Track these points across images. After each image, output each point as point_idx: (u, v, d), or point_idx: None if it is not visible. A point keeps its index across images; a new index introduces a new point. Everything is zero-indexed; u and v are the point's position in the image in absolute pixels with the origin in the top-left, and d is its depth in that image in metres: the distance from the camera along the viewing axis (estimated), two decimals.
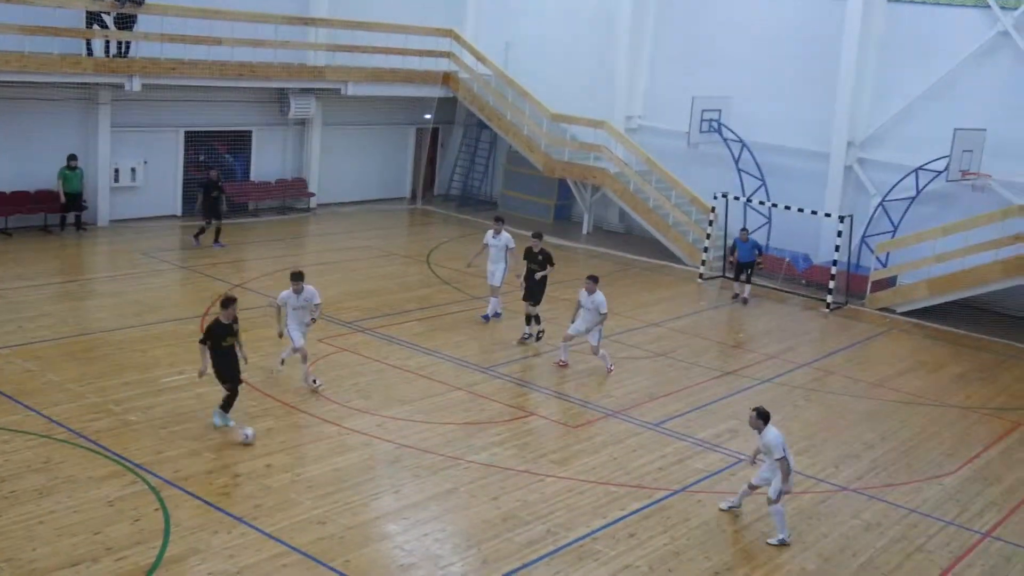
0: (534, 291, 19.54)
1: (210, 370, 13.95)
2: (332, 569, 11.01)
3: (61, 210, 25.27)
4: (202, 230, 25.24)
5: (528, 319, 19.74)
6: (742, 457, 15.07)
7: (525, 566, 11.47)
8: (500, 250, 20.79)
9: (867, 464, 15.34)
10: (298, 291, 15.51)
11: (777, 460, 12.14)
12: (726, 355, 20.39)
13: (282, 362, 16.46)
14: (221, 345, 13.80)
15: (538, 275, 19.45)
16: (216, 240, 25.20)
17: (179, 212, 28.15)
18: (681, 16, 30.43)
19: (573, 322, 18.05)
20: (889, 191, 26.08)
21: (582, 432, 15.63)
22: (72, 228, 25.49)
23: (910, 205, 25.67)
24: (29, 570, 10.47)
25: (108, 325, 18.74)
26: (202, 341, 13.85)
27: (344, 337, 18.94)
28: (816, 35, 27.38)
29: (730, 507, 13.10)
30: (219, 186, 25.32)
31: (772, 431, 12.29)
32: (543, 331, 19.73)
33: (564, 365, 18.38)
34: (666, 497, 13.56)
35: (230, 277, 22.58)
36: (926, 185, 25.28)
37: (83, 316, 19.30)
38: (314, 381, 15.98)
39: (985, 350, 22.37)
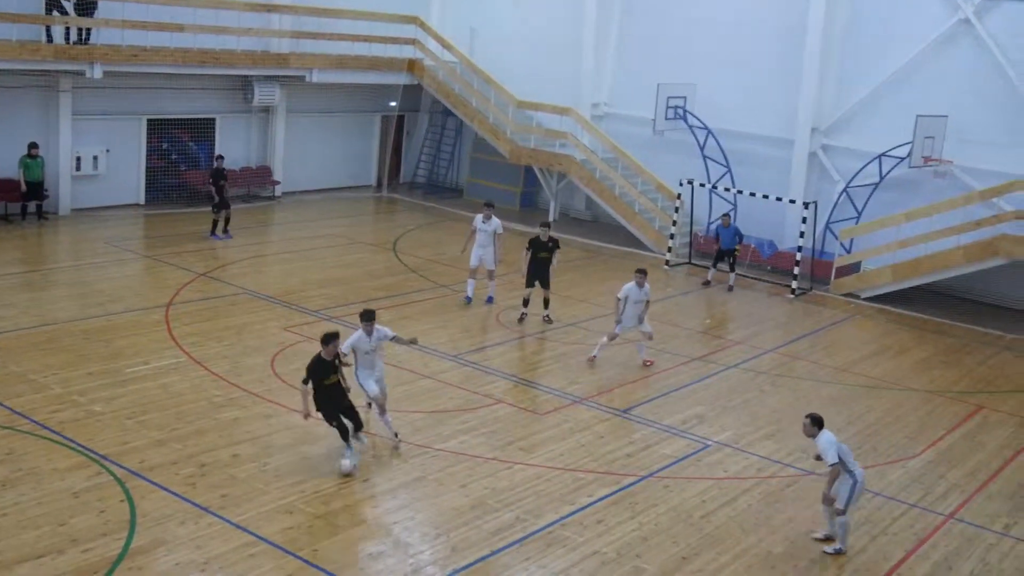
0: (544, 277, 20.12)
1: (315, 412, 13.12)
2: (300, 559, 10.98)
3: (22, 199, 24.98)
4: (215, 223, 25.03)
5: (526, 301, 20.24)
6: (709, 443, 15.18)
7: (494, 553, 11.49)
8: (489, 235, 21.12)
9: None
10: (370, 332, 13.69)
11: (830, 467, 11.86)
12: (693, 341, 20.48)
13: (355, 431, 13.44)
14: (323, 383, 12.93)
15: (554, 263, 20.27)
16: (225, 230, 25.12)
17: (142, 200, 27.93)
18: (647, 3, 30.44)
19: (619, 321, 18.24)
20: (853, 177, 26.26)
21: (550, 419, 15.67)
22: (33, 217, 25.21)
23: (874, 191, 25.87)
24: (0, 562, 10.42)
25: (71, 315, 18.57)
26: (304, 381, 12.86)
27: (311, 325, 18.86)
28: (781, 22, 27.51)
29: (826, 537, 12.40)
30: (224, 174, 25.10)
31: (825, 436, 11.99)
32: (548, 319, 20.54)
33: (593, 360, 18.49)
34: (634, 483, 13.63)
35: (195, 266, 22.42)
36: (889, 171, 25.48)
37: (45, 306, 19.10)
38: (396, 435, 14.07)
39: (948, 335, 22.63)
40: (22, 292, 19.93)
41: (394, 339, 14.10)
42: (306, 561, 10.94)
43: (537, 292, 20.20)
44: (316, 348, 17.60)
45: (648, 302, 18.41)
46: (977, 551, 12.65)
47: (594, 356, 18.41)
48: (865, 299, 24.79)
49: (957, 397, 18.39)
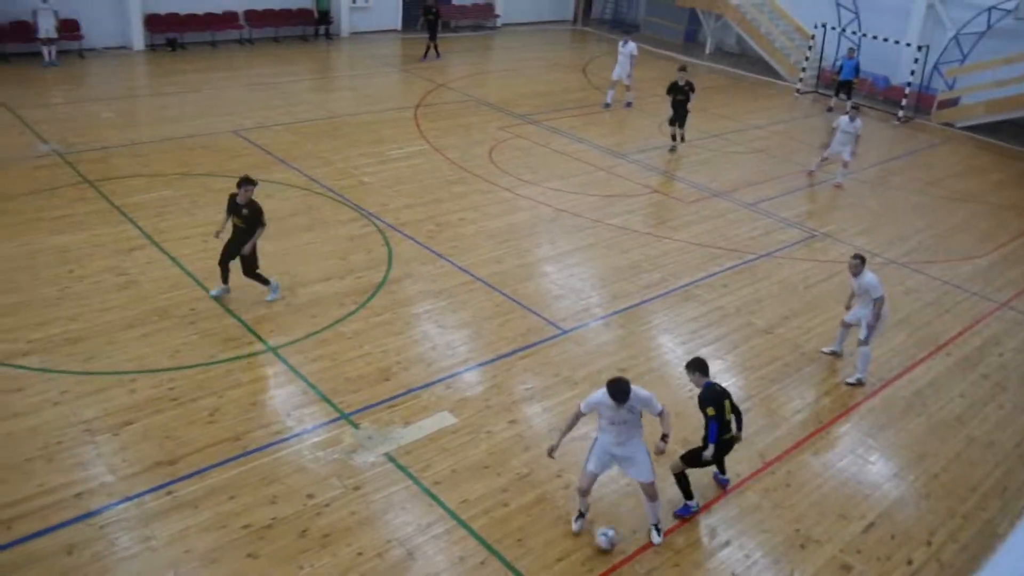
0: (681, 118, 17.90)
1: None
2: (504, 294, 11.40)
3: (315, 24, 25.35)
4: (427, 48, 24.56)
5: (674, 137, 18.21)
6: (816, 233, 14.66)
7: (644, 302, 11.64)
8: (626, 56, 20.93)
9: (914, 244, 14.73)
10: (621, 401, 6.75)
11: (874, 300, 9.83)
12: (812, 154, 19.42)
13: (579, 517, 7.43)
14: (233, 223, 10.20)
15: (689, 105, 17.82)
16: (436, 54, 24.63)
17: (399, 27, 27.86)
18: None
19: (827, 145, 16.95)
20: (963, 26, 23.62)
21: (693, 207, 15.40)
22: (323, 38, 25.61)
23: (980, 39, 23.27)
24: (301, 281, 11.23)
25: (349, 111, 19.09)
26: (227, 211, 10.24)
27: (518, 127, 18.83)
28: None
29: (831, 352, 10.67)
30: (434, 10, 24.61)
31: (871, 274, 9.93)
32: (678, 143, 18.32)
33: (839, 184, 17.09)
34: (754, 259, 13.39)
35: (435, 77, 22.49)
36: (997, 22, 22.77)
37: (330, 103, 19.68)
38: (656, 527, 7.42)
39: None
40: (314, 93, 20.53)
41: (660, 415, 7.08)
42: (508, 296, 11.37)
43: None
44: (522, 143, 17.75)
45: (858, 137, 16.54)
46: (1022, 331, 12.02)
47: (812, 171, 17.45)
48: (959, 128, 22.79)
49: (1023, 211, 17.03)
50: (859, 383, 10.16)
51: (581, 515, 7.38)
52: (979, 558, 7.56)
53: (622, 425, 6.99)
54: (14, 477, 7.40)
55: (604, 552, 7.15)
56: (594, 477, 7.18)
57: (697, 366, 7.52)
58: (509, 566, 6.93)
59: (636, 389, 6.88)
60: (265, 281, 10.54)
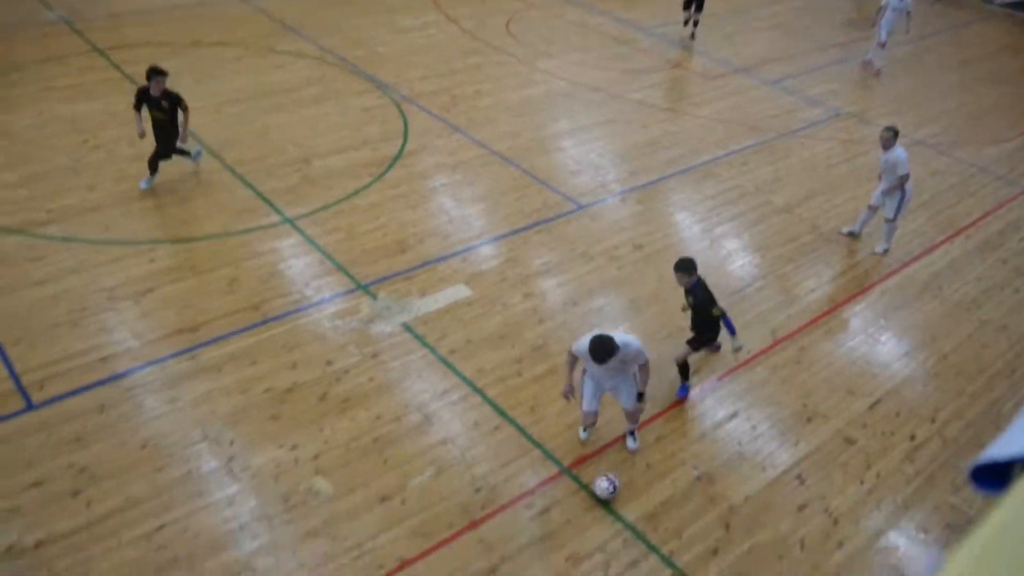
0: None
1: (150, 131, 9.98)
2: (520, 168, 11.35)
3: None
4: None
5: (688, 22, 16.88)
6: (840, 112, 14.39)
7: (663, 178, 11.58)
8: None
9: (943, 125, 14.45)
10: (601, 362, 6.17)
11: (899, 176, 9.80)
12: (839, 31, 18.85)
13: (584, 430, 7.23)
14: (153, 116, 9.77)
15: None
16: None
17: None
18: None
19: (876, 24, 15.97)
20: None
21: (716, 83, 15.09)
22: None
23: None
24: (313, 153, 11.20)
25: None
26: (134, 107, 9.76)
27: None
28: None
29: (850, 232, 10.63)
30: None
31: (900, 149, 9.77)
32: (694, 30, 17.07)
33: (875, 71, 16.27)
34: (775, 138, 13.22)
35: None
36: None
37: None
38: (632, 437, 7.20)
39: None
40: None
41: (642, 367, 6.69)
42: (524, 170, 11.27)
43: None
44: (536, 14, 17.26)
45: (909, 12, 15.83)
46: None
47: (870, 61, 16.34)
48: (998, 4, 21.93)
49: None
50: (885, 252, 10.47)
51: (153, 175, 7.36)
52: (982, 435, 7.78)
53: (611, 370, 6.58)
54: (41, 342, 7.64)
55: (604, 502, 6.62)
56: (594, 413, 6.94)
57: (687, 266, 7.22)
58: (522, 431, 7.20)
59: (626, 343, 6.31)
60: (154, 170, 10.06)
